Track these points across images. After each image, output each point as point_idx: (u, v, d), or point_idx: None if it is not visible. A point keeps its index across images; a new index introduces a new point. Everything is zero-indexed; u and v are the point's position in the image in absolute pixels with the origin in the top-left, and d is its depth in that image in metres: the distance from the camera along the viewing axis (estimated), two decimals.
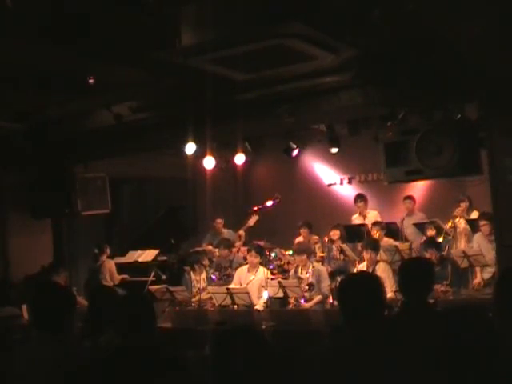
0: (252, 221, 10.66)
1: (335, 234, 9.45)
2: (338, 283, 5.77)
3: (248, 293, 7.88)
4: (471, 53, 6.25)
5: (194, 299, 8.59)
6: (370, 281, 3.22)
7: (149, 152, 9.93)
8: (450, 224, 9.17)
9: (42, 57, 6.11)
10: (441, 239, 8.83)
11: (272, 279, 8.52)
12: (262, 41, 5.89)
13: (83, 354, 3.48)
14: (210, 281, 9.02)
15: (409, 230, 9.71)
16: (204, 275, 9.04)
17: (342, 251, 9.23)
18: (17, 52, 5.93)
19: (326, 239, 9.73)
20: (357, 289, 3.10)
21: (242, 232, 10.72)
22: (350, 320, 3.04)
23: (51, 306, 3.45)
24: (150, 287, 8.65)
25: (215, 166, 10.33)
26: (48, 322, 3.41)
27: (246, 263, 8.88)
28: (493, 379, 2.44)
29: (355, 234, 9.56)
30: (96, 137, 8.98)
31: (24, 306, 7.17)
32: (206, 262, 9.41)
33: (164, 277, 9.87)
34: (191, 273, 9.13)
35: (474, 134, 7.07)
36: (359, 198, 10.56)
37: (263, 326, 7.08)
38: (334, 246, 9.46)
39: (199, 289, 8.71)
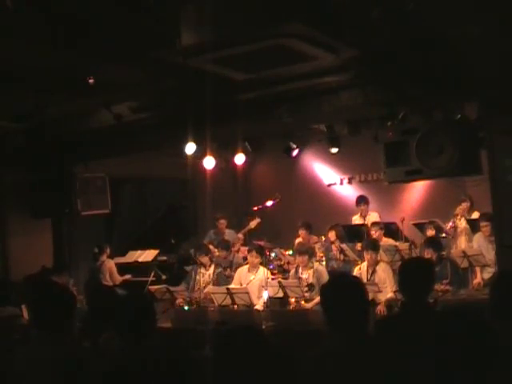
0: (253, 223, 10.63)
1: (332, 235, 9.44)
2: None
3: (248, 293, 7.88)
4: (471, 53, 6.24)
5: (194, 295, 8.48)
6: (351, 283, 3.20)
7: (149, 152, 9.92)
8: (450, 223, 9.17)
9: (42, 57, 6.10)
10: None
11: (272, 279, 8.51)
12: (262, 41, 5.88)
13: (83, 354, 3.47)
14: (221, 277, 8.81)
15: None
16: (212, 269, 8.85)
17: (341, 251, 9.23)
18: (17, 52, 5.93)
19: (323, 239, 9.73)
20: (338, 292, 3.08)
21: (241, 235, 10.68)
22: (333, 322, 3.03)
23: (51, 306, 3.45)
24: (150, 287, 8.63)
25: (215, 166, 10.34)
26: (48, 321, 3.41)
27: (246, 263, 8.87)
28: (492, 379, 2.44)
29: (355, 234, 9.55)
30: (96, 137, 8.98)
31: (24, 306, 7.16)
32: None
33: (164, 277, 9.86)
34: (199, 268, 8.88)
35: (474, 134, 7.07)
36: (362, 200, 10.44)
37: (263, 326, 7.07)
38: (333, 247, 9.46)
39: (201, 285, 8.61)
